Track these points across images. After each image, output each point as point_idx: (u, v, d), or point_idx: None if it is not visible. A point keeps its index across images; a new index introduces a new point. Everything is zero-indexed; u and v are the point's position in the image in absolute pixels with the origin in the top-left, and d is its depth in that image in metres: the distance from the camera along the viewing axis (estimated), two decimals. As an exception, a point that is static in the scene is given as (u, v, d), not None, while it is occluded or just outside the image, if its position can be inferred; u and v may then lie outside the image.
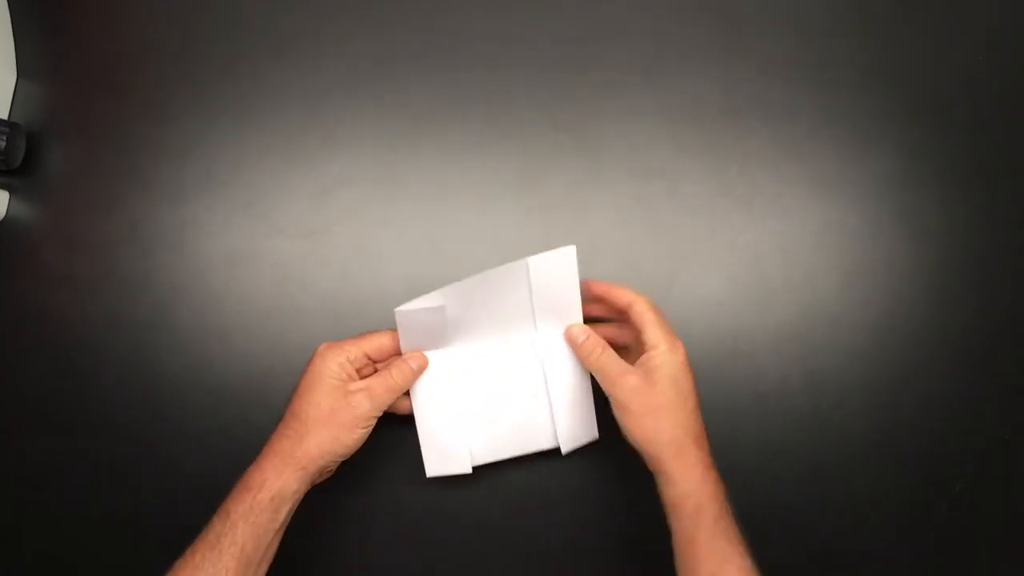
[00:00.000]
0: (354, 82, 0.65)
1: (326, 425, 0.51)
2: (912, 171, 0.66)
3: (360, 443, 0.53)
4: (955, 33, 0.69)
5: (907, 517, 0.62)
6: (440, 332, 0.55)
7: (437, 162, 0.65)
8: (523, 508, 0.61)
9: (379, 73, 0.66)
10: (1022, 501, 0.62)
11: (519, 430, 0.58)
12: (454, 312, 0.54)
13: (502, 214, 0.64)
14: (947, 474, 0.62)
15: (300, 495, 0.51)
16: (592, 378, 0.57)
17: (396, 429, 0.58)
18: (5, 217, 0.63)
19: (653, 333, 0.53)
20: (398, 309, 0.53)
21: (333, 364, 0.52)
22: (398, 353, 0.56)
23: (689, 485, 0.50)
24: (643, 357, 0.53)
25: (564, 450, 0.59)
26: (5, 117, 0.64)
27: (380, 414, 0.53)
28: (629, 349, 0.57)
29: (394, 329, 0.55)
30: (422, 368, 0.56)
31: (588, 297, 0.58)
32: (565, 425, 0.58)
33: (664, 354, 0.52)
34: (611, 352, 0.54)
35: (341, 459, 0.53)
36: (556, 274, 0.55)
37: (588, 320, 0.57)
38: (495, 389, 0.58)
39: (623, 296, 0.55)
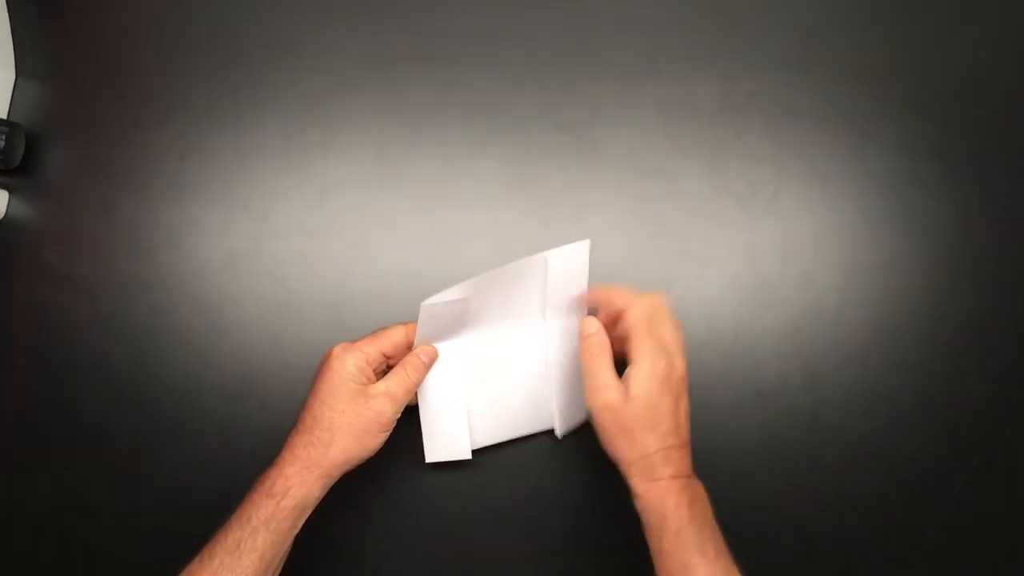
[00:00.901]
0: (353, 82, 0.65)
1: (351, 432, 0.51)
2: (911, 169, 0.66)
3: (382, 445, 0.53)
4: (954, 31, 0.69)
5: (907, 517, 0.62)
6: (454, 325, 0.56)
7: (436, 162, 0.65)
8: (525, 498, 0.61)
9: (378, 73, 0.66)
10: (1022, 501, 0.62)
11: (518, 413, 0.59)
12: (472, 305, 0.55)
13: (502, 213, 0.64)
14: (947, 474, 0.62)
15: (320, 500, 0.51)
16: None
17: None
18: (4, 217, 0.63)
19: (636, 348, 0.51)
20: (424, 303, 0.53)
21: (352, 368, 0.52)
22: (409, 347, 0.56)
23: (652, 499, 0.49)
24: (628, 370, 0.51)
25: (559, 433, 0.60)
26: (4, 116, 0.64)
27: (399, 414, 0.53)
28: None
29: (404, 324, 0.55)
30: (433, 361, 0.56)
31: (588, 306, 0.58)
32: (562, 408, 0.59)
33: (642, 372, 0.50)
34: (607, 361, 0.52)
35: (364, 461, 0.53)
36: (569, 268, 0.56)
37: None
38: (497, 374, 0.58)
39: (618, 301, 0.54)
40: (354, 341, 0.54)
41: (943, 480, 0.62)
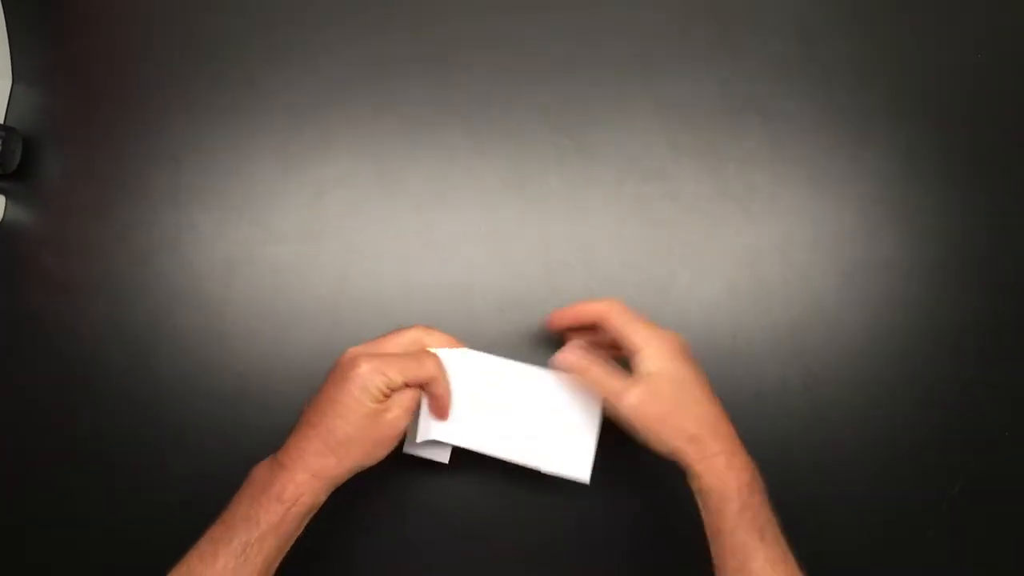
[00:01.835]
0: (350, 85, 0.65)
1: (364, 444, 0.50)
2: (910, 171, 0.66)
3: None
4: (952, 32, 0.69)
5: (905, 517, 0.62)
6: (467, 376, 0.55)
7: (434, 164, 0.65)
8: (521, 502, 0.61)
9: (375, 76, 0.66)
10: (1020, 501, 0.62)
11: (510, 438, 0.56)
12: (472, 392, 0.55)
13: (500, 216, 0.64)
14: (945, 474, 0.62)
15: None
16: (600, 421, 0.55)
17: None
18: (1, 221, 0.63)
19: (634, 335, 0.51)
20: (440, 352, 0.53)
21: (375, 390, 0.49)
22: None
23: (711, 479, 0.49)
24: (634, 363, 0.51)
25: (544, 469, 0.56)
26: (1, 121, 0.64)
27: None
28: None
29: (434, 355, 0.53)
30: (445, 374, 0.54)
31: (558, 331, 0.58)
32: (554, 448, 0.56)
33: (653, 354, 0.51)
34: (606, 368, 0.52)
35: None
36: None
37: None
38: (503, 401, 0.56)
39: (591, 311, 0.54)
40: (381, 356, 0.51)
41: (942, 481, 0.62)
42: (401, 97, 0.65)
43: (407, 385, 0.51)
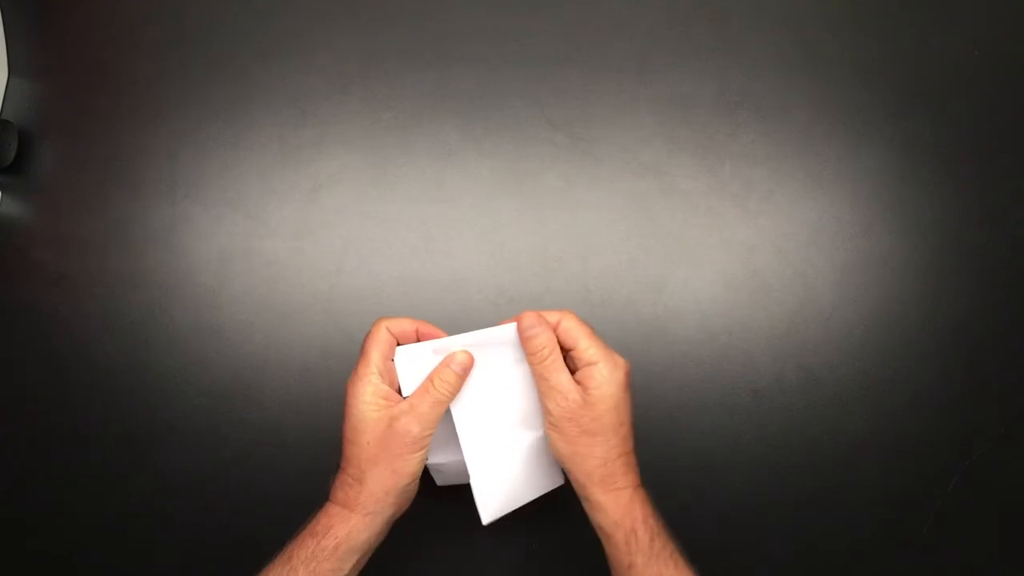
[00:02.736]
0: (345, 80, 0.65)
1: (378, 462, 0.47)
2: (905, 167, 0.66)
3: (421, 466, 0.49)
4: (949, 28, 0.69)
5: (901, 514, 0.62)
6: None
7: (430, 160, 0.65)
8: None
9: (370, 71, 0.66)
10: (1016, 498, 0.62)
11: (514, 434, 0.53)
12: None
13: (496, 212, 0.64)
14: (941, 471, 0.62)
15: (375, 542, 0.49)
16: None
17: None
18: (-4, 215, 0.63)
19: (589, 347, 0.49)
20: (400, 348, 0.50)
21: (369, 398, 0.48)
22: (417, 332, 0.51)
23: (618, 512, 0.48)
24: (580, 373, 0.49)
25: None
26: (-4, 115, 0.64)
27: (433, 430, 0.49)
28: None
29: (415, 321, 0.50)
30: (467, 370, 0.50)
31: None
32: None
33: (603, 373, 0.48)
34: (560, 363, 0.49)
35: (410, 488, 0.49)
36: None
37: None
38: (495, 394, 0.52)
39: (548, 315, 0.51)
40: (364, 365, 0.49)
41: (939, 476, 0.62)
42: (396, 92, 0.65)
43: (390, 360, 0.49)
